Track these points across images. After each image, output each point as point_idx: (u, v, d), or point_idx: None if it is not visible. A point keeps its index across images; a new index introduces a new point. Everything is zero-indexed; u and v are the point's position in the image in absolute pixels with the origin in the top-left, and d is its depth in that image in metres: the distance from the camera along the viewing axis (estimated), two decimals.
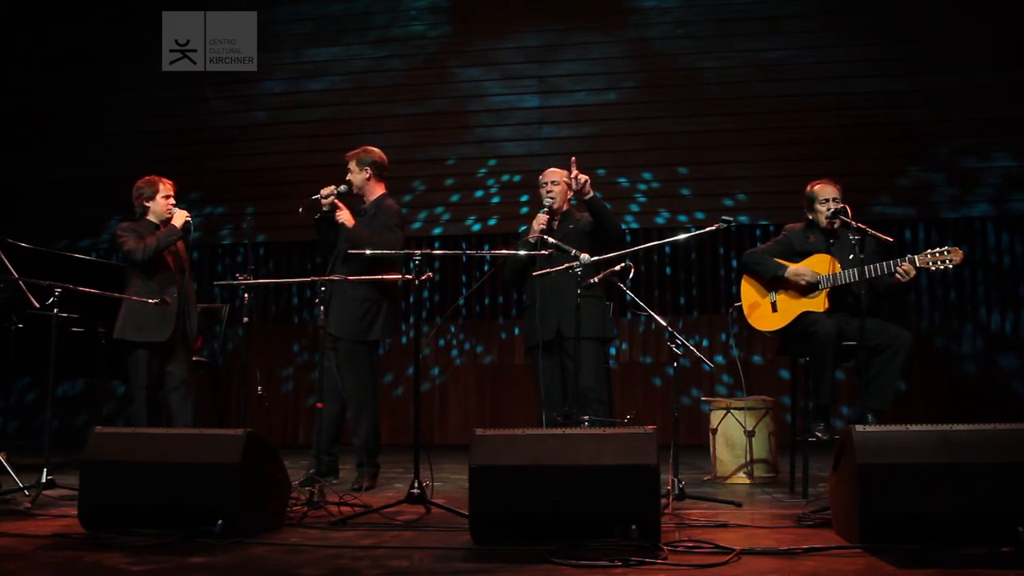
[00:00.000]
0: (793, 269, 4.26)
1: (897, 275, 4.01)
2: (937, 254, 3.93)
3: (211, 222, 8.04)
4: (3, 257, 4.88)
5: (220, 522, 3.05)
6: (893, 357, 3.98)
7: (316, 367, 4.25)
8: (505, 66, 7.85)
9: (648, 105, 7.60)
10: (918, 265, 3.98)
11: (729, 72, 7.52)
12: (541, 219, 4.45)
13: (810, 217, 4.38)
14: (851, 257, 4.09)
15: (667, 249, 7.47)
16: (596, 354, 4.41)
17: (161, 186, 4.71)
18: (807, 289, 4.24)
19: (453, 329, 7.85)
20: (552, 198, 4.57)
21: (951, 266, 3.92)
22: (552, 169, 4.71)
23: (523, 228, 4.60)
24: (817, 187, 4.34)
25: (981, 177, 7.20)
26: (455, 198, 7.84)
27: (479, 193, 7.81)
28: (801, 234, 4.40)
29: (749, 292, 4.44)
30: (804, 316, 4.20)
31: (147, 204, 4.69)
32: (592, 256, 4.08)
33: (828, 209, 4.25)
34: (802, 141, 7.30)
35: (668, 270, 7.57)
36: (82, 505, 3.27)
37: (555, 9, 7.84)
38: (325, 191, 4.55)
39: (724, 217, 4.06)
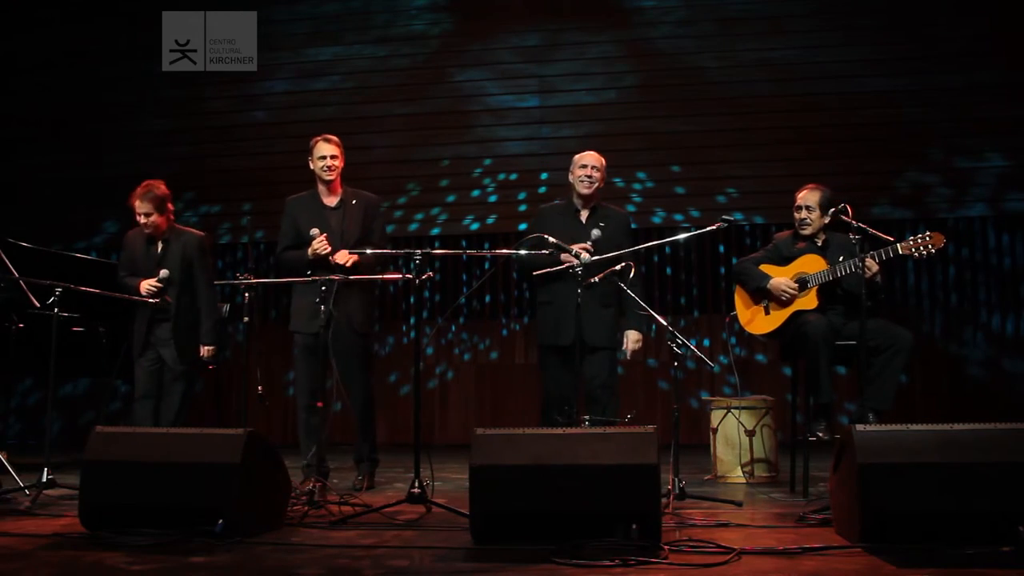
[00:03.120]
0: (775, 282, 4.29)
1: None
2: (919, 240, 3.95)
3: (209, 221, 8.02)
4: (3, 256, 4.88)
5: (220, 522, 3.05)
6: (894, 357, 3.99)
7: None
8: (505, 65, 7.84)
9: (648, 105, 7.59)
10: (900, 252, 3.98)
11: (729, 72, 7.51)
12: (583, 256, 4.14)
13: None
14: (841, 259, 4.13)
15: (667, 249, 7.47)
16: (612, 359, 4.39)
17: (132, 204, 4.63)
18: (791, 300, 4.25)
19: (454, 328, 7.85)
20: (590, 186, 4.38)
21: (933, 251, 3.93)
22: (596, 156, 4.46)
23: (523, 226, 4.55)
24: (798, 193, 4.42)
25: (980, 178, 7.18)
26: (452, 198, 7.83)
27: (476, 192, 7.80)
28: (789, 241, 4.44)
29: (742, 299, 4.50)
30: (796, 316, 4.22)
31: None
32: (593, 256, 4.06)
33: (800, 217, 4.35)
34: (801, 141, 7.29)
35: (668, 270, 7.57)
36: (82, 505, 3.28)
37: (555, 8, 7.83)
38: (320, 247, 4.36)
39: (724, 216, 4.07)
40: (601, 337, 4.27)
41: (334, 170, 4.47)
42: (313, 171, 4.52)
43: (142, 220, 4.60)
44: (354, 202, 4.52)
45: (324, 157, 4.46)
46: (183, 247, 4.66)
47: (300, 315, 4.47)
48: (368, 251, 4.24)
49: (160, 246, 4.65)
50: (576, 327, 4.01)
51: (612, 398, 4.30)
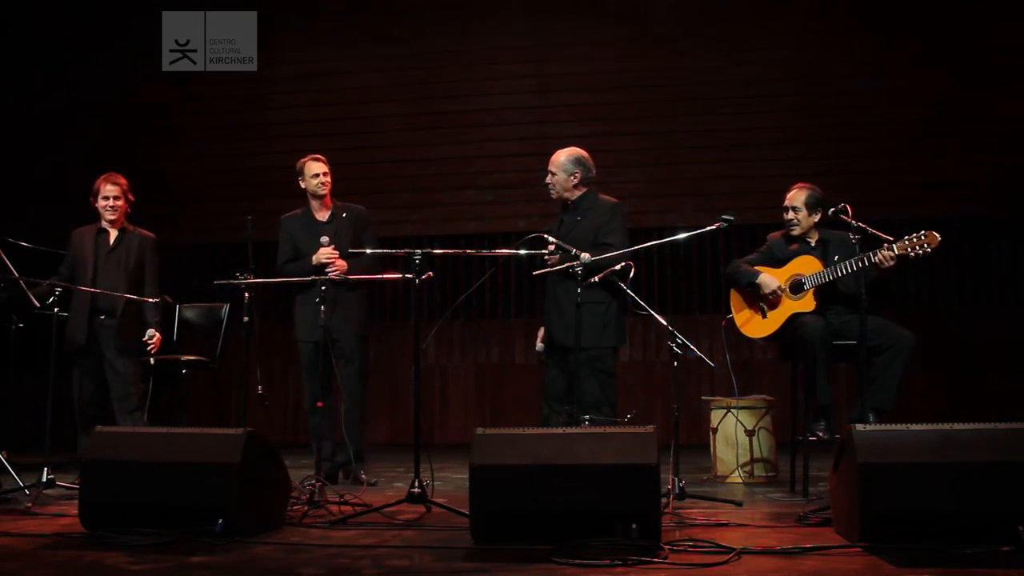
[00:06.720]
0: (764, 277, 4.29)
1: (876, 261, 3.97)
2: (914, 239, 3.93)
3: (208, 221, 8.01)
4: (3, 256, 4.88)
5: (220, 521, 3.06)
6: (895, 357, 3.99)
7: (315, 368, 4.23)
8: (504, 65, 7.84)
9: (647, 104, 7.59)
10: (896, 252, 3.96)
11: (729, 71, 7.51)
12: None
13: None
14: (836, 258, 4.13)
15: (667, 249, 7.46)
16: (594, 363, 4.20)
17: (99, 186, 4.72)
18: (788, 291, 4.25)
19: (454, 328, 7.84)
20: (553, 189, 4.43)
21: (929, 250, 3.92)
22: (553, 157, 4.49)
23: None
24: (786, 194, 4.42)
25: (977, 178, 7.17)
26: (451, 198, 7.83)
27: (474, 192, 7.80)
28: (782, 242, 4.43)
29: (738, 302, 4.48)
30: (794, 318, 4.22)
31: (95, 205, 4.76)
32: (592, 256, 4.05)
33: (788, 217, 4.37)
34: (800, 141, 7.28)
35: (668, 270, 7.56)
36: (82, 504, 3.28)
37: (555, 8, 7.83)
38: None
39: (724, 216, 4.06)
40: (569, 338, 4.07)
41: (327, 185, 4.72)
42: (305, 189, 4.77)
43: (108, 203, 4.72)
44: (344, 215, 4.78)
45: (317, 175, 4.71)
46: (139, 244, 4.78)
47: (303, 324, 4.68)
48: (368, 251, 4.38)
49: (113, 236, 4.73)
50: (576, 328, 3.99)
51: (598, 397, 4.17)
